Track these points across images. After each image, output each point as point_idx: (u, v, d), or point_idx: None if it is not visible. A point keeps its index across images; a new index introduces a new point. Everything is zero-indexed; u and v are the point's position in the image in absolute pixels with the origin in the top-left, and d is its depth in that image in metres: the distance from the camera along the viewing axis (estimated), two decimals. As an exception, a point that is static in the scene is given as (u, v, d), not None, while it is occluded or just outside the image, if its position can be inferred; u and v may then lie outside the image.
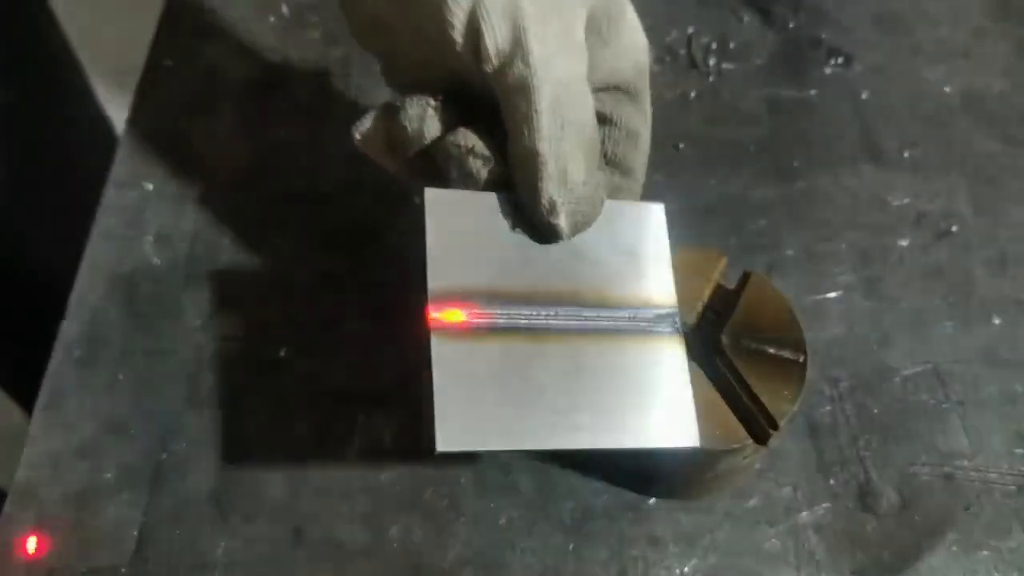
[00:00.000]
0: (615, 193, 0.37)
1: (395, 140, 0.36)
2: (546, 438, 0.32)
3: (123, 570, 0.40)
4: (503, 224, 0.35)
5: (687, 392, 0.36)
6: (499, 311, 0.34)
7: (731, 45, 0.59)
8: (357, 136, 0.37)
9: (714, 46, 0.59)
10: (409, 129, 0.35)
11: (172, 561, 0.40)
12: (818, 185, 0.53)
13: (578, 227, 0.35)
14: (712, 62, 0.59)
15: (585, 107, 0.34)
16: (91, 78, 0.70)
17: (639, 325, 0.36)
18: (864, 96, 0.57)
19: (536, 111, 0.33)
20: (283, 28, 0.59)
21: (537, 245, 0.35)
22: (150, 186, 0.51)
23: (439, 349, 0.32)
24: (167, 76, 0.56)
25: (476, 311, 0.33)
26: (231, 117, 0.55)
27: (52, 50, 0.61)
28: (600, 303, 0.36)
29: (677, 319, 0.37)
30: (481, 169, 0.35)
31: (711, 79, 0.58)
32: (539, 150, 0.33)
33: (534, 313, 0.34)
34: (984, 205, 0.53)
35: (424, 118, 0.35)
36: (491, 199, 0.35)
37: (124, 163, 0.52)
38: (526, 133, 0.33)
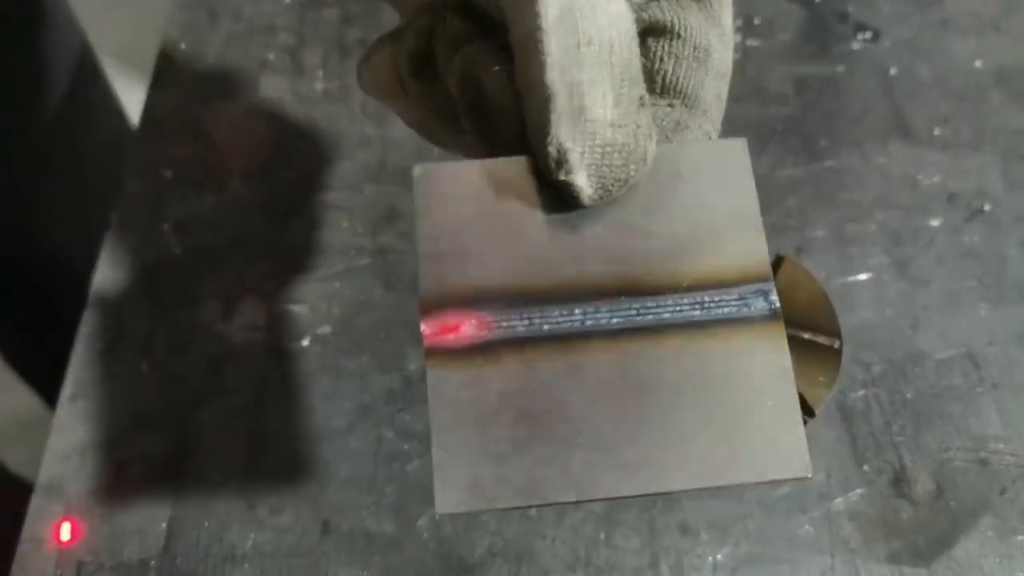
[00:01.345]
0: (677, 132, 0.28)
1: (404, 69, 0.29)
2: (587, 486, 0.24)
3: (152, 563, 0.40)
4: (521, 199, 0.26)
5: (793, 401, 0.26)
6: (518, 316, 0.25)
7: (756, 21, 0.58)
8: (363, 72, 0.31)
9: (739, 23, 0.58)
10: (416, 45, 0.29)
11: (201, 554, 0.40)
12: (847, 164, 0.52)
13: (607, 186, 0.26)
14: (736, 39, 0.58)
15: (613, 17, 0.25)
16: (102, 61, 0.69)
17: (719, 311, 0.26)
18: (893, 72, 0.56)
19: (541, 26, 0.24)
20: (299, 8, 0.58)
21: (568, 221, 0.26)
22: (168, 174, 0.51)
23: (435, 380, 0.24)
24: (182, 60, 0.56)
25: (487, 320, 0.25)
26: (247, 101, 0.54)
27: (65, 36, 0.60)
28: (660, 288, 0.26)
29: (773, 293, 0.28)
30: (500, 91, 0.26)
31: (736, 56, 0.57)
32: (545, 80, 0.24)
33: (565, 314, 0.25)
34: (1017, 183, 0.52)
35: (433, 29, 0.28)
36: (504, 167, 0.26)
37: (141, 151, 0.52)
38: (530, 58, 0.25)
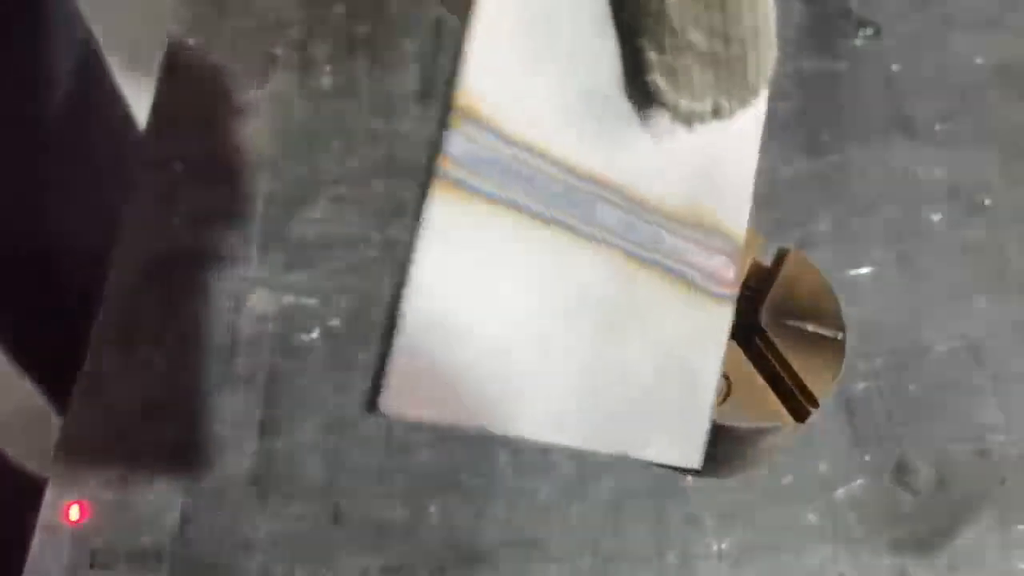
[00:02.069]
0: None
1: None
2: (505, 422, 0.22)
3: (165, 550, 0.41)
4: (601, 35, 0.22)
5: (709, 396, 0.27)
6: (540, 166, 0.21)
7: (759, 17, 0.59)
8: None
9: (742, 18, 0.59)
10: None
11: (214, 542, 0.41)
12: (850, 159, 0.53)
13: (720, 110, 0.23)
14: (740, 35, 0.58)
15: None
16: (108, 56, 0.69)
17: (687, 270, 0.25)
18: (895, 68, 0.56)
19: None
20: (307, 2, 0.59)
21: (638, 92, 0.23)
22: (180, 167, 0.51)
23: (438, 204, 0.20)
24: (190, 55, 0.56)
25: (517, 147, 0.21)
26: (256, 95, 0.55)
27: (68, 32, 0.60)
28: (664, 214, 0.24)
29: (732, 269, 0.27)
30: None
31: (739, 52, 0.57)
32: None
33: (574, 197, 0.22)
34: (1018, 178, 0.52)
35: None
36: None
37: (152, 144, 0.52)
38: None
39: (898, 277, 0.49)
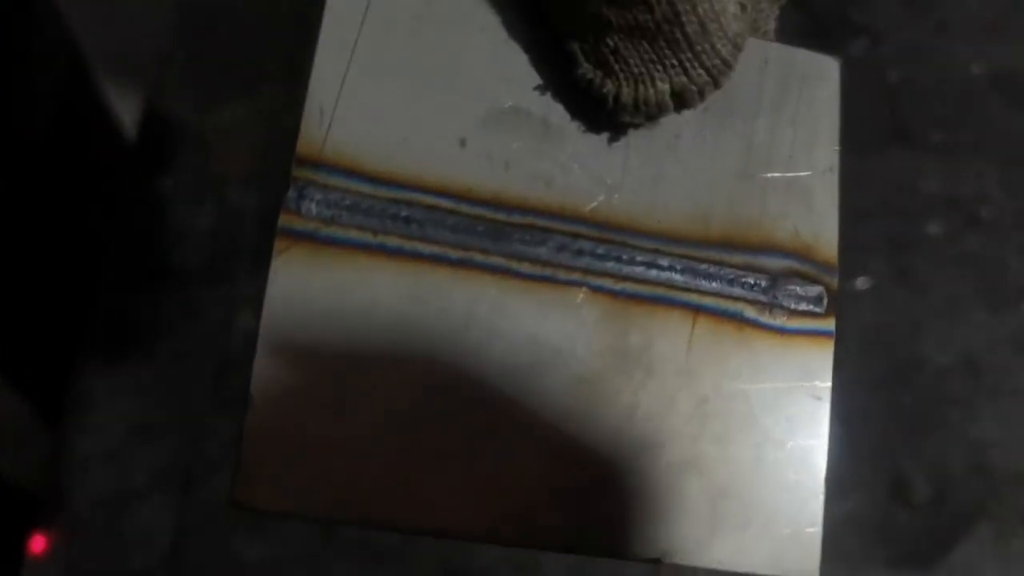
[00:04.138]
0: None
1: None
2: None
3: (157, 573, 0.40)
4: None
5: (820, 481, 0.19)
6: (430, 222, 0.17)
7: (754, 25, 0.58)
8: None
9: (737, 27, 0.58)
10: None
11: (206, 563, 0.40)
12: (846, 170, 0.52)
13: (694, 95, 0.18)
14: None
15: None
16: (99, 68, 0.69)
17: (740, 291, 0.18)
18: (891, 77, 0.56)
19: None
20: (295, 16, 0.58)
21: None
22: (168, 182, 0.51)
23: (278, 271, 0.17)
24: (180, 68, 0.56)
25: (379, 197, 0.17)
26: (243, 109, 0.54)
27: (60, 47, 0.60)
28: (673, 234, 0.18)
29: (830, 291, 0.20)
30: None
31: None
32: None
33: (528, 241, 0.17)
34: (1016, 189, 0.52)
35: None
36: None
37: (141, 159, 0.52)
38: None
39: (896, 289, 0.48)
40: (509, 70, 0.18)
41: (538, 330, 0.17)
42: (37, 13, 0.57)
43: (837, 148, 0.22)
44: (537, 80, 0.18)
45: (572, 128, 0.18)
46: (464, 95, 0.18)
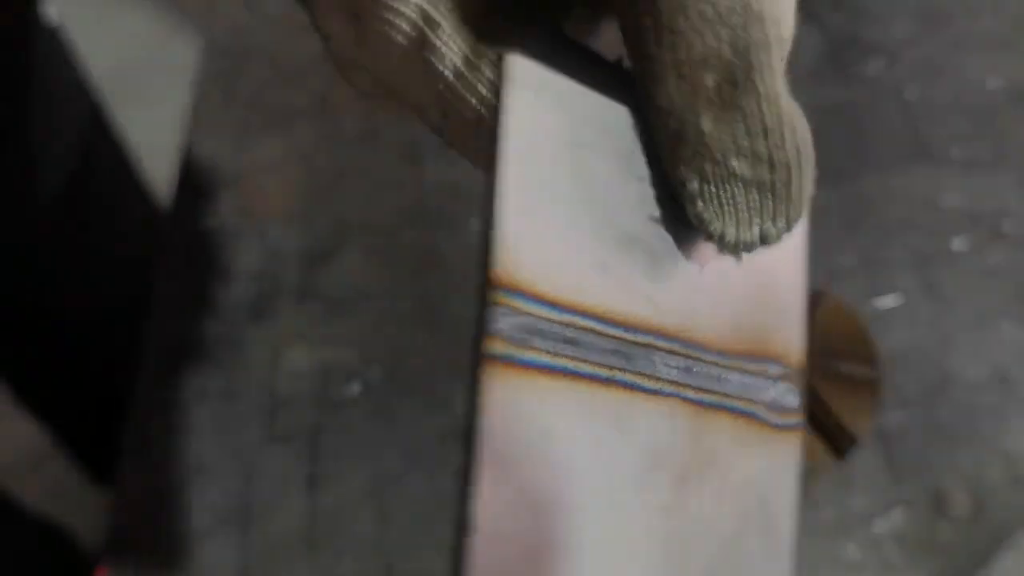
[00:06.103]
0: None
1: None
2: None
3: (221, 611, 0.41)
4: (631, 160, 0.20)
5: (788, 540, 0.23)
6: (596, 335, 0.19)
7: (772, 47, 0.59)
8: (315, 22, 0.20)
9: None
10: None
11: (268, 600, 0.41)
12: (869, 189, 0.54)
13: (767, 235, 0.21)
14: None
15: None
16: (125, 114, 0.70)
17: (751, 407, 0.22)
18: (909, 95, 0.57)
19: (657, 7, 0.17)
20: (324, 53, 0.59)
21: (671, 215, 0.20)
22: (210, 223, 0.52)
23: (492, 389, 0.17)
24: (214, 108, 0.57)
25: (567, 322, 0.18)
26: (281, 147, 0.55)
27: (74, 101, 0.60)
28: (720, 350, 0.21)
29: (795, 395, 0.23)
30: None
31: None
32: (657, 95, 0.19)
33: (628, 352, 0.19)
34: (1036, 201, 0.53)
35: None
36: (609, 106, 0.19)
37: (182, 201, 0.53)
38: (646, 41, 0.18)
39: (924, 306, 0.49)
40: (633, 198, 0.20)
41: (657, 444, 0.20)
42: (52, 71, 0.58)
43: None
44: (654, 211, 0.20)
45: (668, 255, 0.21)
46: (617, 230, 0.19)
